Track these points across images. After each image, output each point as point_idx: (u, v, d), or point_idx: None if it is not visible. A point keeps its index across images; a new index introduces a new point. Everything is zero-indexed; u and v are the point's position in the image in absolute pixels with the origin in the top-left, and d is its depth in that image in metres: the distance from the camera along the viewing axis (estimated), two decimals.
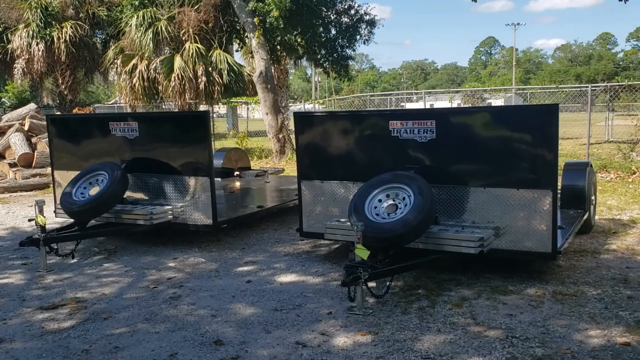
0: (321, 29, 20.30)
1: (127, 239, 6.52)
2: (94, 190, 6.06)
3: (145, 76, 16.22)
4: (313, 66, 24.11)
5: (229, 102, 17.95)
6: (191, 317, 4.17)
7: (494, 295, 4.38)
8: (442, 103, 34.70)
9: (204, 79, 15.58)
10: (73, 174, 6.44)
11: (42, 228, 5.43)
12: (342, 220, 5.17)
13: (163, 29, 15.63)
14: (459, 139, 4.76)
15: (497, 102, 33.61)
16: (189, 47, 15.67)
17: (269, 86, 14.52)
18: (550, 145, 4.40)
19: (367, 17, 19.41)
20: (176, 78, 15.38)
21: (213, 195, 5.92)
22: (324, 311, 4.20)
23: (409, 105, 36.78)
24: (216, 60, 15.97)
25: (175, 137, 6.10)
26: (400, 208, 4.59)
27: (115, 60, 16.92)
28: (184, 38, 16.33)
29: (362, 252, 4.09)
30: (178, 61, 15.60)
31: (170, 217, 6.05)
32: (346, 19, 19.85)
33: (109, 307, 4.42)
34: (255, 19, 14.20)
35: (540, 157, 4.45)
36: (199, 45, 15.86)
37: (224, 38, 17.18)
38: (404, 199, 4.62)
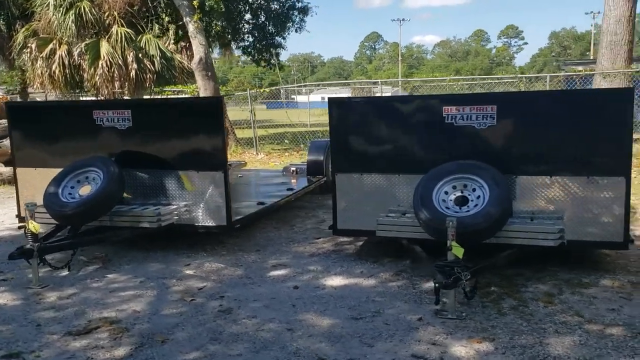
0: (249, 15, 19.60)
1: (111, 245, 5.62)
2: (85, 190, 5.19)
3: (67, 62, 14.64)
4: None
5: (162, 91, 16.73)
6: (264, 333, 3.59)
7: (576, 289, 4.17)
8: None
9: (134, 66, 14.32)
10: (46, 172, 5.52)
11: (35, 236, 4.53)
12: (391, 215, 4.75)
13: (87, 10, 14.15)
14: (523, 124, 4.50)
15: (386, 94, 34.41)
16: (117, 31, 14.33)
17: (209, 73, 13.66)
18: (623, 131, 4.25)
19: (299, 5, 18.95)
20: (104, 65, 14.01)
21: (227, 192, 5.26)
22: (411, 317, 3.77)
23: (300, 98, 36.64)
24: (146, 46, 14.75)
25: (182, 127, 5.35)
26: (472, 200, 4.25)
27: (29, 45, 15.11)
28: (107, 22, 14.93)
29: (458, 251, 3.71)
30: (105, 46, 14.21)
31: (175, 217, 5.31)
32: (276, 6, 19.25)
33: (154, 327, 3.71)
34: (195, 2, 13.24)
35: (612, 143, 4.28)
36: (128, 30, 14.57)
37: (153, 22, 15.95)
38: (474, 190, 4.29)
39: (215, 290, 4.43)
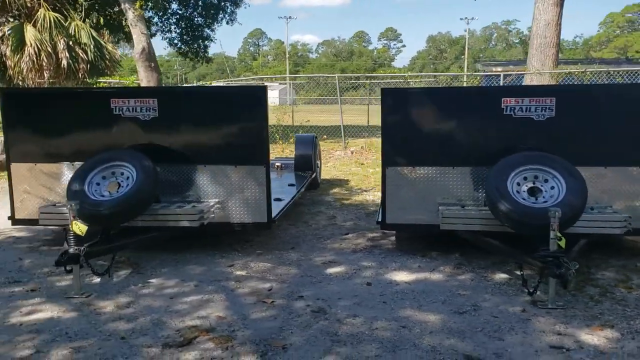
0: (175, 5, 18.78)
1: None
2: (113, 187, 4.66)
3: None
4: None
5: (96, 82, 15.43)
6: (382, 332, 3.41)
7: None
8: None
9: (65, 54, 13.12)
10: (50, 167, 4.95)
11: (79, 239, 4.00)
12: (451, 207, 4.70)
13: None
14: (581, 117, 4.63)
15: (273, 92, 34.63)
16: (44, 15, 13.05)
17: (153, 64, 12.87)
18: None
19: None
20: (31, 52, 12.70)
21: (268, 188, 4.96)
22: (513, 309, 3.76)
23: None
24: (75, 33, 13.58)
25: (219, 118, 4.97)
26: (545, 191, 4.31)
27: None
28: (29, 4, 13.57)
29: (562, 242, 3.73)
30: (31, 31, 12.86)
31: (213, 215, 4.93)
32: None
33: (259, 333, 3.40)
34: None
35: None
36: (57, 15, 13.32)
37: (83, 8, 14.74)
38: (546, 181, 4.35)
39: (286, 290, 4.16)
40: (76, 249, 3.95)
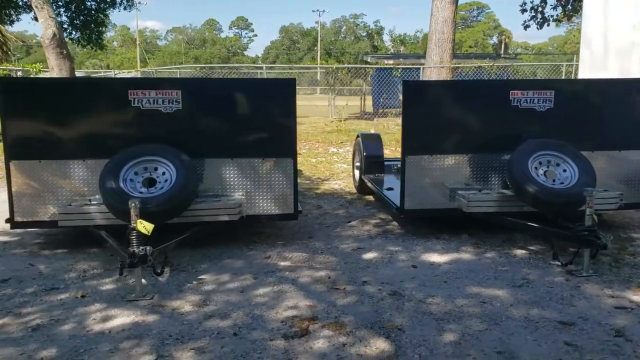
0: None
1: (101, 245, 4.72)
2: (147, 183, 4.46)
3: None
4: None
5: None
6: (471, 308, 3.69)
7: (632, 242, 5.09)
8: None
9: None
10: (59, 165, 4.66)
11: (143, 239, 3.82)
12: (471, 192, 5.10)
13: None
14: (578, 108, 5.25)
15: None
16: None
17: (64, 51, 11.91)
18: None
19: None
20: None
21: (295, 180, 5.03)
22: (558, 279, 4.23)
23: None
24: None
25: (247, 110, 4.91)
26: (559, 174, 4.85)
27: None
28: None
29: (594, 217, 4.27)
30: None
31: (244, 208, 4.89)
32: None
33: (359, 318, 3.52)
34: None
35: None
36: None
37: None
38: (558, 165, 4.90)
39: (344, 277, 4.29)
40: (142, 249, 3.77)
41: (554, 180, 4.83)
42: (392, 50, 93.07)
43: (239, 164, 4.91)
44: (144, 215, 4.10)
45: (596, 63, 8.85)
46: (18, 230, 5.34)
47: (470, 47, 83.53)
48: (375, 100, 23.52)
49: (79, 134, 4.77)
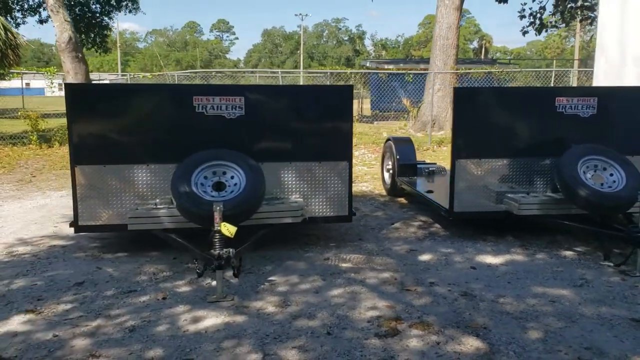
0: None
1: (160, 248, 4.95)
2: (216, 187, 4.57)
3: None
4: None
5: (8, 72, 13.53)
6: (543, 307, 3.85)
7: None
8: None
9: None
10: (124, 169, 4.76)
11: (225, 242, 3.93)
12: (520, 195, 5.27)
13: None
14: (617, 114, 5.45)
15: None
16: None
17: (80, 55, 11.94)
18: None
19: None
20: None
21: (350, 182, 5.17)
22: (614, 279, 4.42)
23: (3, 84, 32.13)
24: None
25: (306, 115, 5.04)
26: (606, 177, 5.04)
27: None
28: None
29: None
30: None
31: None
32: None
33: (441, 318, 3.67)
34: None
35: None
36: None
37: None
38: (604, 169, 5.09)
39: (409, 278, 4.43)
40: (226, 252, 3.89)
41: (602, 184, 5.02)
42: (373, 55, 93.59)
43: (297, 168, 5.04)
44: (226, 219, 4.22)
45: (613, 71, 9.09)
46: (72, 234, 5.41)
47: None
48: (373, 104, 23.74)
49: (143, 139, 4.86)
